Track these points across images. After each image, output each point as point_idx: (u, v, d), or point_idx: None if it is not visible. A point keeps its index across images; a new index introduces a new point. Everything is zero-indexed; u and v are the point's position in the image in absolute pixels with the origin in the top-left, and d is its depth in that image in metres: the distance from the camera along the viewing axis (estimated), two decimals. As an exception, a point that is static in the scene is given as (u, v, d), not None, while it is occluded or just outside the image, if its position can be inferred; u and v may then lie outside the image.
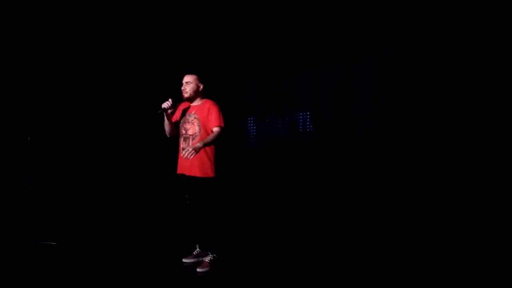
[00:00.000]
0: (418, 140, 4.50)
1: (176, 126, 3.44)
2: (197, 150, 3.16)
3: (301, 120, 5.58)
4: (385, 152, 4.88)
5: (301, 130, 5.57)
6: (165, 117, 3.36)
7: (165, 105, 3.25)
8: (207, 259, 3.29)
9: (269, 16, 5.30)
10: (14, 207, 4.69)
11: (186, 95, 3.34)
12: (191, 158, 3.16)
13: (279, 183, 5.54)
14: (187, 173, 3.29)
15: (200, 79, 3.41)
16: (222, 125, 3.30)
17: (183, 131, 3.36)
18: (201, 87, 3.40)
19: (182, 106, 3.45)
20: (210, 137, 3.26)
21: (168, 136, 3.50)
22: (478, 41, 4.17)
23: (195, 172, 3.25)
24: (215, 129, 3.28)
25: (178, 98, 3.36)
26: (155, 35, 5.74)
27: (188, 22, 5.50)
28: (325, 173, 5.25)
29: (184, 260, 3.45)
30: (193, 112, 3.36)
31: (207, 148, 3.27)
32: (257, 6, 5.14)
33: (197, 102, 3.40)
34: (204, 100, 3.42)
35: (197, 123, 3.30)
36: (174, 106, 3.33)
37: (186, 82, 3.35)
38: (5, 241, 4.23)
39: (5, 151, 4.75)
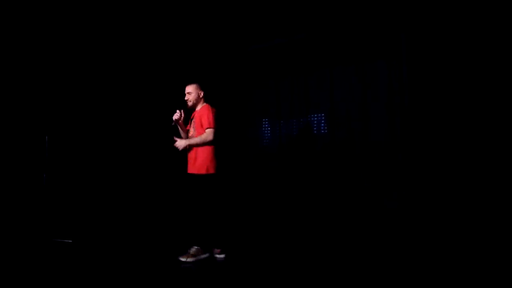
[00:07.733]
0: (435, 141, 4.37)
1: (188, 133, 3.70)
2: (179, 146, 3.43)
3: (315, 122, 5.48)
4: (400, 154, 4.72)
5: (315, 132, 5.47)
6: (179, 127, 3.63)
7: (176, 116, 3.53)
8: (192, 250, 3.45)
9: (285, 18, 5.27)
10: (31, 204, 4.89)
11: (189, 103, 3.62)
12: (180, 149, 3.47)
13: (293, 184, 5.46)
14: (189, 171, 3.54)
15: (201, 86, 3.65)
16: (212, 126, 3.47)
17: (189, 135, 3.65)
18: (202, 94, 3.64)
19: (192, 114, 3.69)
20: (197, 138, 3.47)
21: None
22: (493, 46, 4.02)
23: (193, 169, 3.51)
24: (206, 131, 3.47)
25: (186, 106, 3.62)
26: (171, 38, 5.86)
27: (204, 25, 5.57)
28: (339, 174, 5.13)
29: (180, 259, 3.47)
30: (194, 117, 3.64)
31: (200, 148, 3.47)
32: (273, 7, 5.12)
33: (198, 107, 3.65)
34: (204, 105, 3.64)
35: (193, 125, 3.59)
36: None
37: (188, 93, 3.61)
38: (22, 238, 4.39)
39: (24, 150, 4.99)
